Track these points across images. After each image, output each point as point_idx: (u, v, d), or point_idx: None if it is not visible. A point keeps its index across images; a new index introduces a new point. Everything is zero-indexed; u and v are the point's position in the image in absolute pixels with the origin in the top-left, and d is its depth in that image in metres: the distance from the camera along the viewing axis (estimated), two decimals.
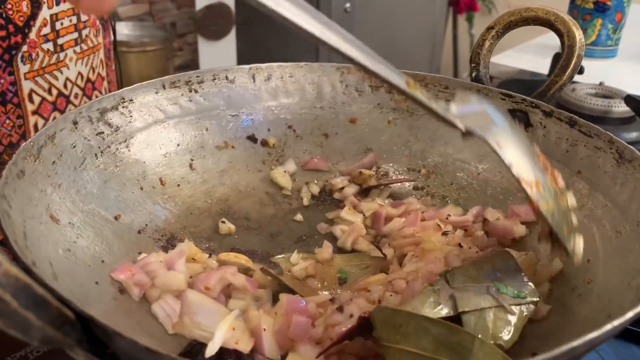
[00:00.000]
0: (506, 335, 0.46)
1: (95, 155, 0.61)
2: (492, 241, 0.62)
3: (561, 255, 0.50)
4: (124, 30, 2.31)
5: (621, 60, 1.49)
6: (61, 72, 0.75)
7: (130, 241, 0.59)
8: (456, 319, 0.46)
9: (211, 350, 0.44)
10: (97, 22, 0.82)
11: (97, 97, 0.82)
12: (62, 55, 0.75)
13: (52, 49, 0.73)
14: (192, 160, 0.71)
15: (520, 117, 0.68)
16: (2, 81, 0.69)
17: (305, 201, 0.73)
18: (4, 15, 0.67)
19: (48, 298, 0.30)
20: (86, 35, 0.78)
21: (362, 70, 0.43)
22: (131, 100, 0.66)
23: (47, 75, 0.74)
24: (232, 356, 0.45)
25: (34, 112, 0.73)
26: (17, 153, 0.51)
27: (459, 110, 0.47)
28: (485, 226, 0.64)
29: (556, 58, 1.25)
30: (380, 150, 0.75)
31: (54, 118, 0.74)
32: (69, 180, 0.57)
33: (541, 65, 1.40)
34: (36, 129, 0.74)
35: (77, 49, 0.77)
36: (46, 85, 0.74)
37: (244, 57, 2.66)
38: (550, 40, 1.51)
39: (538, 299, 0.49)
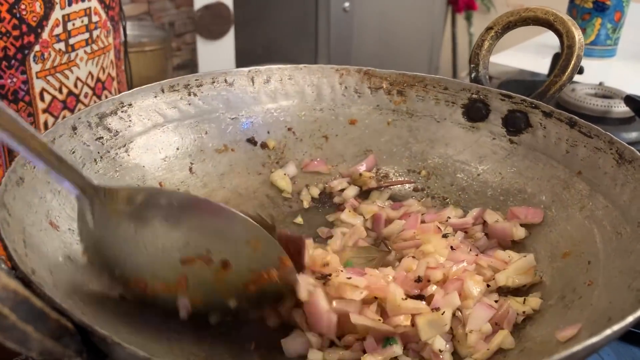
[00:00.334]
0: None
1: (95, 160, 0.61)
2: (493, 243, 0.62)
3: None
4: None
5: (620, 59, 1.49)
6: (72, 72, 0.77)
7: None
8: None
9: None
10: (108, 23, 0.83)
11: (106, 97, 0.83)
12: (73, 55, 0.76)
13: (63, 48, 0.75)
14: (191, 163, 0.71)
15: (520, 118, 0.68)
16: (14, 80, 0.71)
17: (305, 204, 0.73)
18: (18, 16, 0.69)
19: (47, 310, 0.30)
20: (97, 36, 0.80)
21: None
22: (130, 104, 0.66)
23: (58, 75, 0.75)
24: None
25: (45, 110, 0.75)
26: (16, 160, 0.51)
27: None
28: (485, 228, 0.64)
29: (556, 58, 1.25)
30: (380, 151, 0.75)
31: (64, 116, 0.76)
32: None
33: (541, 65, 1.40)
34: (46, 126, 0.75)
35: (88, 49, 0.78)
36: (57, 84, 0.75)
37: (242, 57, 2.66)
38: (550, 40, 1.51)
39: None
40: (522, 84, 1.21)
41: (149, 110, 0.68)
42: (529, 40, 1.63)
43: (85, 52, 0.78)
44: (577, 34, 0.68)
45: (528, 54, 1.52)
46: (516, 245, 0.62)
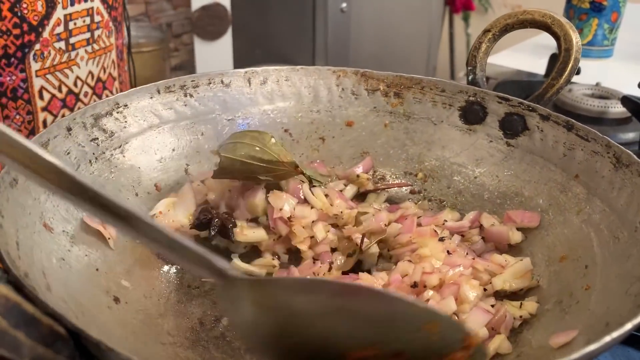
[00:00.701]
0: None
1: (90, 161, 0.61)
2: (490, 247, 0.62)
3: None
4: None
5: (617, 60, 1.49)
6: (72, 71, 0.77)
7: (125, 248, 0.59)
8: None
9: None
10: (110, 24, 0.83)
11: (107, 96, 0.83)
12: (73, 54, 0.77)
13: (64, 47, 0.75)
14: (187, 165, 0.70)
15: (517, 121, 0.68)
16: (13, 78, 0.71)
17: None
18: (19, 14, 0.69)
19: (38, 316, 0.30)
20: (98, 36, 0.80)
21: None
22: (126, 105, 0.66)
23: (57, 73, 0.75)
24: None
25: (44, 109, 0.75)
26: None
27: None
28: (481, 232, 0.63)
29: (553, 58, 1.24)
30: (376, 154, 0.75)
31: (63, 115, 0.76)
32: None
33: (537, 66, 1.40)
34: (45, 125, 0.76)
35: (89, 48, 0.79)
36: (56, 83, 0.75)
37: (240, 58, 2.66)
38: (547, 40, 1.50)
39: None
40: (518, 84, 1.21)
41: (144, 111, 0.67)
42: (526, 41, 1.63)
43: (86, 51, 0.78)
44: (575, 37, 0.68)
45: (525, 55, 1.52)
46: (513, 249, 0.62)
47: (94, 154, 0.62)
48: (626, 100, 1.00)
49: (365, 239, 0.61)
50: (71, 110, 0.78)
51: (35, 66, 0.73)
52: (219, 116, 0.73)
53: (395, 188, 0.73)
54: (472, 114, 0.71)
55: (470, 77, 0.75)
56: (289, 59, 2.51)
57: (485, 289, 0.55)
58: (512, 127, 0.68)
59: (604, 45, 1.46)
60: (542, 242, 0.60)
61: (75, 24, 0.75)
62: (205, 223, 0.61)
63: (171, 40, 2.57)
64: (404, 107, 0.75)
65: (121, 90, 0.88)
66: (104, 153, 0.63)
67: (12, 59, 0.70)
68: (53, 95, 0.75)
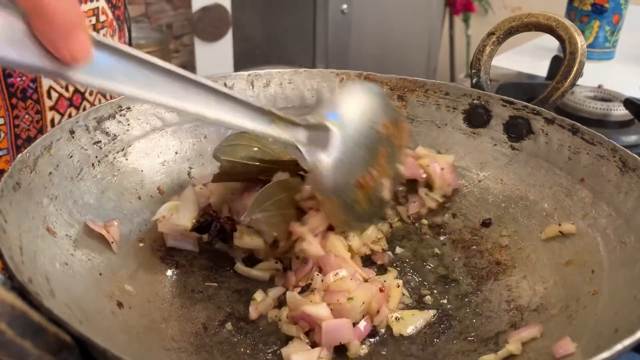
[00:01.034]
0: None
1: (93, 165, 0.61)
2: None
3: None
4: None
5: (619, 62, 1.49)
6: None
7: (128, 252, 0.58)
8: None
9: None
10: (114, 23, 0.82)
11: (111, 95, 0.83)
12: None
13: None
14: (190, 168, 0.70)
15: (521, 124, 0.67)
16: (24, 78, 0.70)
17: None
18: None
19: (45, 325, 0.29)
20: (103, 35, 0.79)
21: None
22: (128, 108, 0.65)
23: None
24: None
25: (52, 108, 0.75)
26: (13, 165, 0.50)
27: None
28: None
29: (554, 60, 1.24)
30: None
31: (70, 114, 0.76)
32: (66, 191, 0.56)
33: (539, 68, 1.39)
34: (52, 124, 0.76)
35: None
36: (63, 83, 0.75)
37: (240, 59, 2.66)
38: (548, 42, 1.51)
39: None
40: (520, 86, 1.21)
41: (147, 114, 0.67)
42: (527, 43, 1.63)
43: None
44: (580, 40, 0.68)
45: (526, 57, 1.52)
46: (512, 254, 0.61)
47: (96, 157, 0.61)
48: (629, 103, 1.00)
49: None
50: (77, 109, 0.78)
51: None
52: None
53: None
54: (476, 117, 0.71)
55: (474, 80, 0.74)
56: (289, 60, 2.51)
57: None
58: (516, 130, 0.68)
59: (605, 47, 1.46)
60: (548, 246, 0.60)
61: None
62: (205, 226, 0.60)
63: (171, 42, 2.56)
64: (408, 109, 0.74)
65: None
66: (106, 156, 0.62)
67: None
68: (60, 95, 0.76)
